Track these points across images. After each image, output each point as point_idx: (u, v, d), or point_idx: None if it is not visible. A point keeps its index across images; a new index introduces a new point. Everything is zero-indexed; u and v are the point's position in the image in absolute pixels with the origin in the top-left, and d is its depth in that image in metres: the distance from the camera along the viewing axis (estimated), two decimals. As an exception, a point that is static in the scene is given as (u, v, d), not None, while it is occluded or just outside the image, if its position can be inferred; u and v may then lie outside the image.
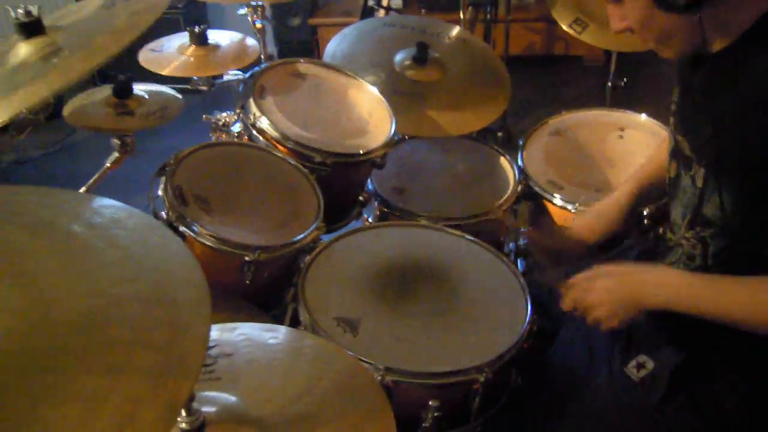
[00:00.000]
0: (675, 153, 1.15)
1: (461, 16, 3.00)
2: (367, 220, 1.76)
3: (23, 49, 1.14)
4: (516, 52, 3.70)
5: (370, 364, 1.10)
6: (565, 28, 2.08)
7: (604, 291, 1.11)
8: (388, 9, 3.14)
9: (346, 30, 2.07)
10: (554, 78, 3.97)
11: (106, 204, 0.60)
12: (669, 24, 0.98)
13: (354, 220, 1.75)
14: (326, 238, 1.46)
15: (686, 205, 1.11)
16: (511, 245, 1.89)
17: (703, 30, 0.96)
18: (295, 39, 4.08)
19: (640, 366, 1.12)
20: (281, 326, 1.01)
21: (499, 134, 3.18)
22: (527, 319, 1.24)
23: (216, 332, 0.96)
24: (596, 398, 1.16)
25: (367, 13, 3.19)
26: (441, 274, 1.36)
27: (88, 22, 1.17)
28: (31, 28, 1.12)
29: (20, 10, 1.14)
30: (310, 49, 4.06)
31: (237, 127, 1.76)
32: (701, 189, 1.05)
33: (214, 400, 0.81)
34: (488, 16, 3.01)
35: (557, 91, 3.85)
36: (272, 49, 4.13)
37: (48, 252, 0.54)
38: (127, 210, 0.60)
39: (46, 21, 1.19)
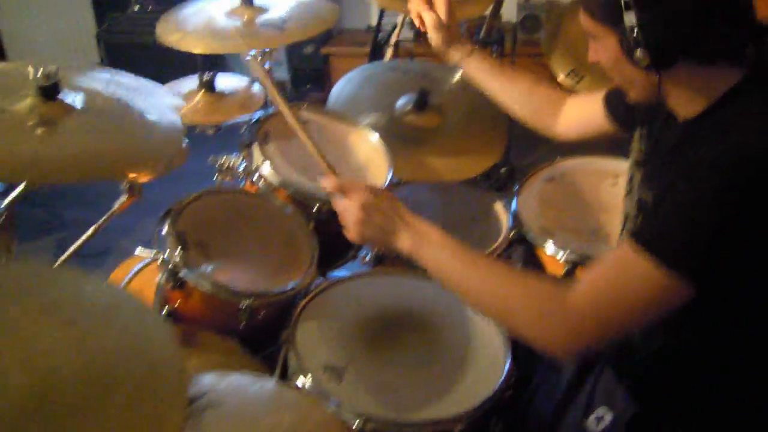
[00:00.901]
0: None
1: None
2: (365, 258, 1.81)
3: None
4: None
5: (351, 413, 1.16)
6: (560, 80, 2.08)
7: (364, 209, 1.12)
8: (397, 45, 3.23)
9: (351, 73, 2.14)
10: (560, 113, 3.99)
11: (104, 290, 0.68)
12: (633, 74, 1.01)
13: (350, 260, 1.81)
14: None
15: None
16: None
17: (660, 90, 1.01)
18: (308, 66, 4.19)
19: (599, 419, 1.15)
20: (268, 379, 1.08)
21: (503, 170, 3.24)
22: (506, 371, 1.30)
23: (207, 380, 1.04)
24: None
25: (377, 48, 3.28)
26: (427, 324, 1.42)
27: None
28: (47, 91, 1.16)
29: (41, 70, 1.20)
30: (322, 76, 4.16)
31: (242, 168, 1.84)
32: None
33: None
34: (494, 54, 3.09)
35: (563, 127, 3.87)
36: (285, 76, 4.22)
37: (54, 334, 0.62)
38: (123, 296, 0.68)
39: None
